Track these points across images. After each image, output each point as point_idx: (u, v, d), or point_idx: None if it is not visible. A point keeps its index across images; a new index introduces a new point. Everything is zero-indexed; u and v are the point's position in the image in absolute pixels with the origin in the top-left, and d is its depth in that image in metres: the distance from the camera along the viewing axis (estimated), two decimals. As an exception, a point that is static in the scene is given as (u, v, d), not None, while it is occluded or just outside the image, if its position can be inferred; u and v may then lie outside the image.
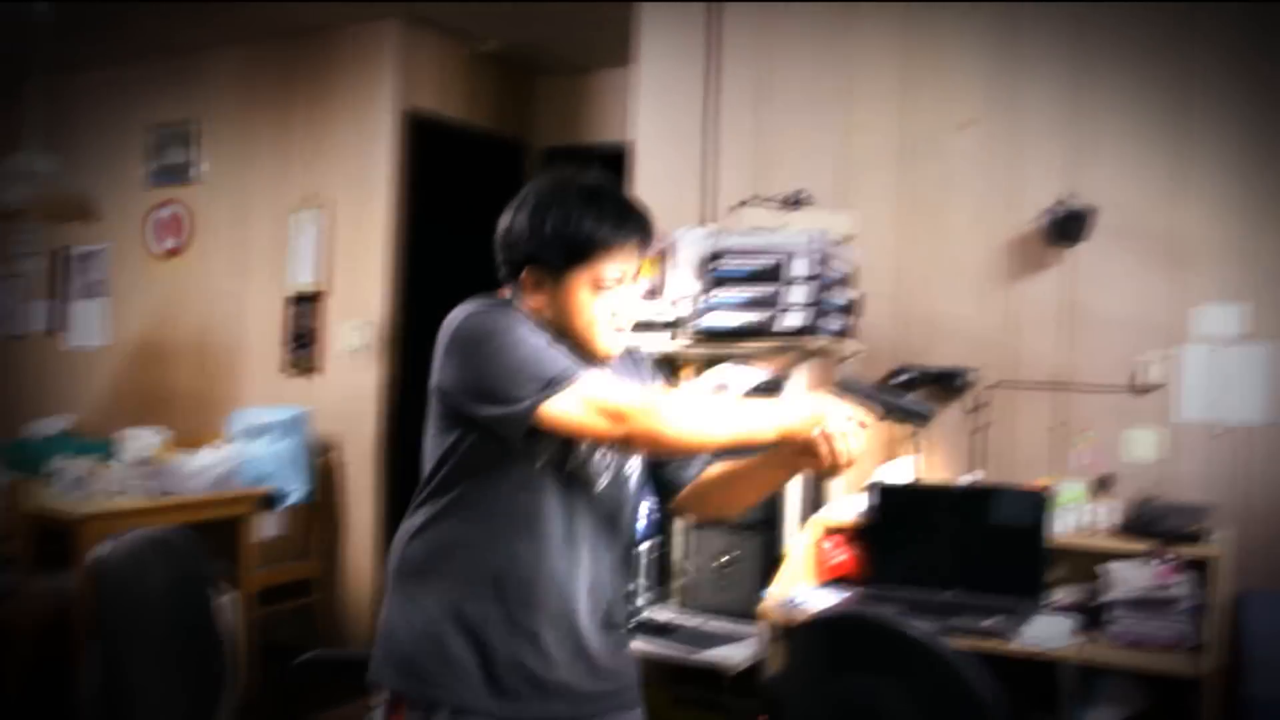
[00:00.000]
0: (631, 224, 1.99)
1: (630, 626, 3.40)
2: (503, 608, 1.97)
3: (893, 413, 2.02)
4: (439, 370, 1.99)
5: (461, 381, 1.95)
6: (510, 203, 2.04)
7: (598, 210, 1.97)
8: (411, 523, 2.07)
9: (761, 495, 2.20)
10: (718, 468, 2.18)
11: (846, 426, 1.90)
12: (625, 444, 1.95)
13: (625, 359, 2.16)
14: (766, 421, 1.90)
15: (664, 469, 2.20)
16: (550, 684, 2.00)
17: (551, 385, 1.88)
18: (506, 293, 2.07)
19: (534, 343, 1.93)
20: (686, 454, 2.15)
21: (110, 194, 6.27)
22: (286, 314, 5.76)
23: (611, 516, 2.10)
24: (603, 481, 2.07)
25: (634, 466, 2.13)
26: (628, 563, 2.21)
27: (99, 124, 6.45)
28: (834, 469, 1.93)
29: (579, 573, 2.03)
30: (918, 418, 2.03)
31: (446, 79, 5.87)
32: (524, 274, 2.00)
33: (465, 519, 2.00)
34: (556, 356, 1.92)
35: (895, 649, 2.66)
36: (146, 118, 6.28)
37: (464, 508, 2.00)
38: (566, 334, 2.00)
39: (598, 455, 2.05)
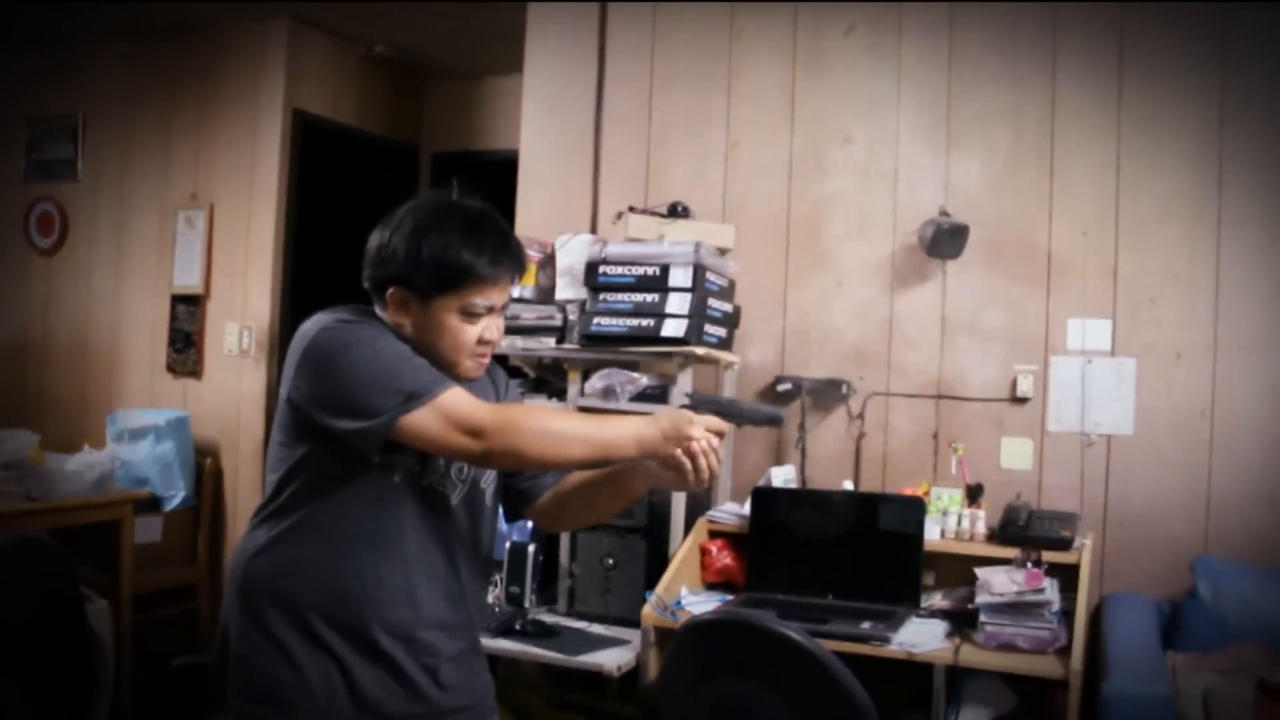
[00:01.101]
0: (508, 258, 1.99)
1: (516, 629, 3.40)
2: (356, 627, 1.94)
3: (747, 419, 2.05)
4: (290, 381, 1.95)
5: (317, 394, 1.91)
6: (387, 219, 2.02)
7: (477, 243, 1.95)
8: (255, 539, 2.01)
9: (618, 508, 2.20)
10: (575, 478, 2.18)
11: (705, 442, 1.91)
12: (484, 460, 1.93)
13: (483, 375, 2.14)
14: (627, 438, 1.90)
15: (518, 479, 2.19)
16: (409, 700, 1.98)
17: (411, 399, 1.85)
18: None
19: (393, 354, 1.91)
20: (545, 469, 2.15)
21: (-16, 188, 6.08)
22: (168, 315, 5.61)
23: (469, 529, 2.08)
24: (457, 495, 2.05)
25: (490, 478, 2.12)
26: (487, 574, 2.20)
27: (-27, 115, 6.24)
28: (695, 484, 1.93)
29: (435, 586, 2.01)
30: (771, 421, 2.07)
31: (336, 81, 5.80)
32: (390, 292, 1.98)
33: (315, 536, 1.95)
34: (417, 369, 1.91)
35: (771, 652, 2.69)
36: (25, 110, 6.08)
37: (313, 524, 1.95)
38: (427, 354, 1.97)
39: (455, 468, 2.03)
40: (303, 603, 1.93)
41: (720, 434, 1.94)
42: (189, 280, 5.58)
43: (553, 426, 1.89)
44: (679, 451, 1.89)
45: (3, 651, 2.53)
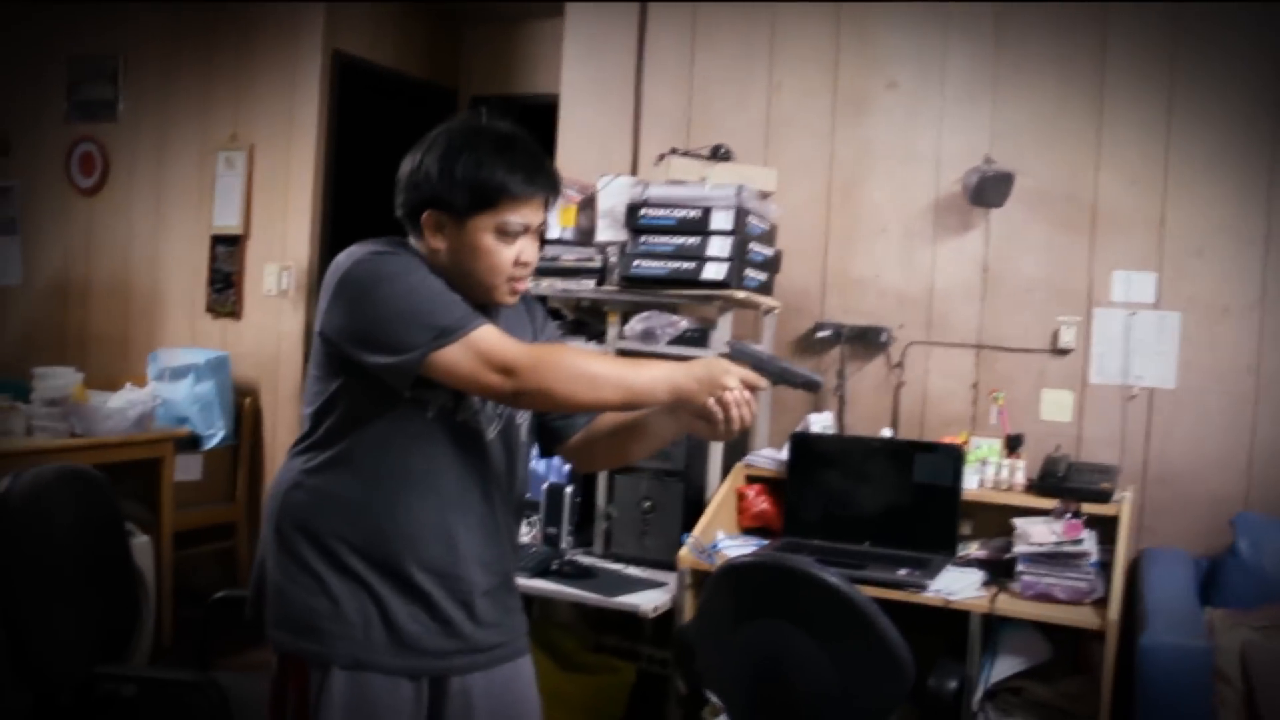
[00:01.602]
0: (542, 177, 1.98)
1: (552, 569, 3.42)
2: (391, 562, 1.94)
3: (783, 380, 2.02)
4: (324, 314, 1.95)
5: (349, 328, 1.90)
6: (418, 144, 2.01)
7: (510, 159, 1.94)
8: (291, 473, 2.02)
9: (649, 451, 2.18)
10: (607, 420, 2.17)
11: (739, 393, 1.89)
12: (514, 400, 1.92)
13: (520, 306, 2.14)
14: (660, 383, 1.89)
15: (550, 417, 2.18)
16: (444, 635, 1.98)
17: (443, 335, 1.84)
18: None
19: (428, 289, 1.90)
20: (576, 411, 2.14)
21: (28, 129, 6.11)
22: (208, 255, 5.64)
23: (504, 465, 2.07)
24: (493, 430, 2.05)
25: (525, 414, 2.11)
26: (521, 510, 2.21)
27: (15, 55, 6.24)
28: (725, 434, 1.92)
29: (472, 522, 2.01)
30: (808, 385, 2.04)
31: (376, 23, 5.77)
32: (425, 215, 1.97)
33: (349, 471, 1.95)
34: (451, 304, 1.90)
35: (807, 596, 2.70)
36: (66, 51, 6.09)
37: (349, 458, 1.95)
38: (463, 279, 1.97)
39: (490, 403, 2.02)
40: (338, 537, 1.94)
41: (754, 387, 1.92)
42: (229, 221, 5.59)
43: (586, 368, 1.88)
44: (712, 401, 1.88)
45: (52, 581, 2.57)
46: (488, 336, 1.87)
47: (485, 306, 2.01)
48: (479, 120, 2.02)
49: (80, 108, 6.04)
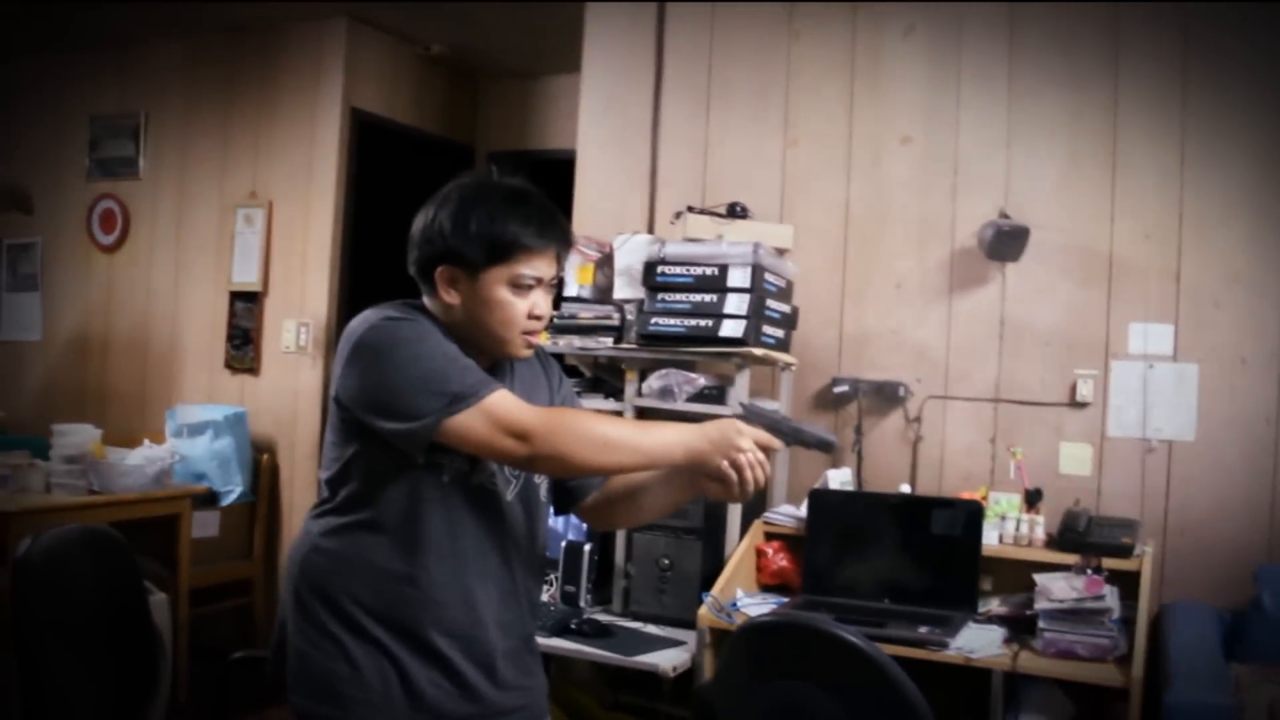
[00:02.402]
0: (554, 229, 2.01)
1: (571, 628, 3.41)
2: (411, 627, 1.95)
3: (797, 440, 2.03)
4: (339, 380, 1.97)
5: (363, 394, 1.92)
6: (429, 201, 2.04)
7: (523, 213, 1.98)
8: (310, 537, 2.04)
9: (665, 511, 2.20)
10: (622, 480, 2.18)
11: (753, 455, 1.90)
12: (529, 464, 1.94)
13: (536, 364, 2.17)
14: (674, 446, 1.90)
15: (566, 478, 2.19)
16: (464, 699, 1.99)
17: (456, 401, 1.86)
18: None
19: (442, 354, 1.91)
20: (592, 475, 2.15)
21: (50, 186, 6.19)
22: (227, 312, 5.68)
23: (523, 527, 2.08)
24: (511, 492, 2.06)
25: (542, 475, 2.12)
26: (542, 571, 2.21)
27: (38, 113, 6.34)
28: (740, 496, 1.93)
29: (490, 585, 2.02)
30: (822, 446, 2.04)
31: (394, 80, 5.85)
32: (439, 270, 1.99)
33: (367, 535, 1.96)
34: (465, 370, 1.91)
35: (828, 655, 2.68)
36: (88, 109, 6.18)
37: (366, 523, 1.97)
38: (478, 332, 2.00)
39: (507, 467, 2.03)
40: (356, 601, 1.95)
41: (769, 449, 1.93)
42: (247, 277, 5.65)
43: (600, 432, 1.89)
44: (725, 463, 1.89)
45: (72, 642, 2.57)
46: (502, 402, 1.88)
47: (499, 362, 2.05)
48: (489, 177, 2.06)
49: (101, 165, 6.13)
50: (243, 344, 5.64)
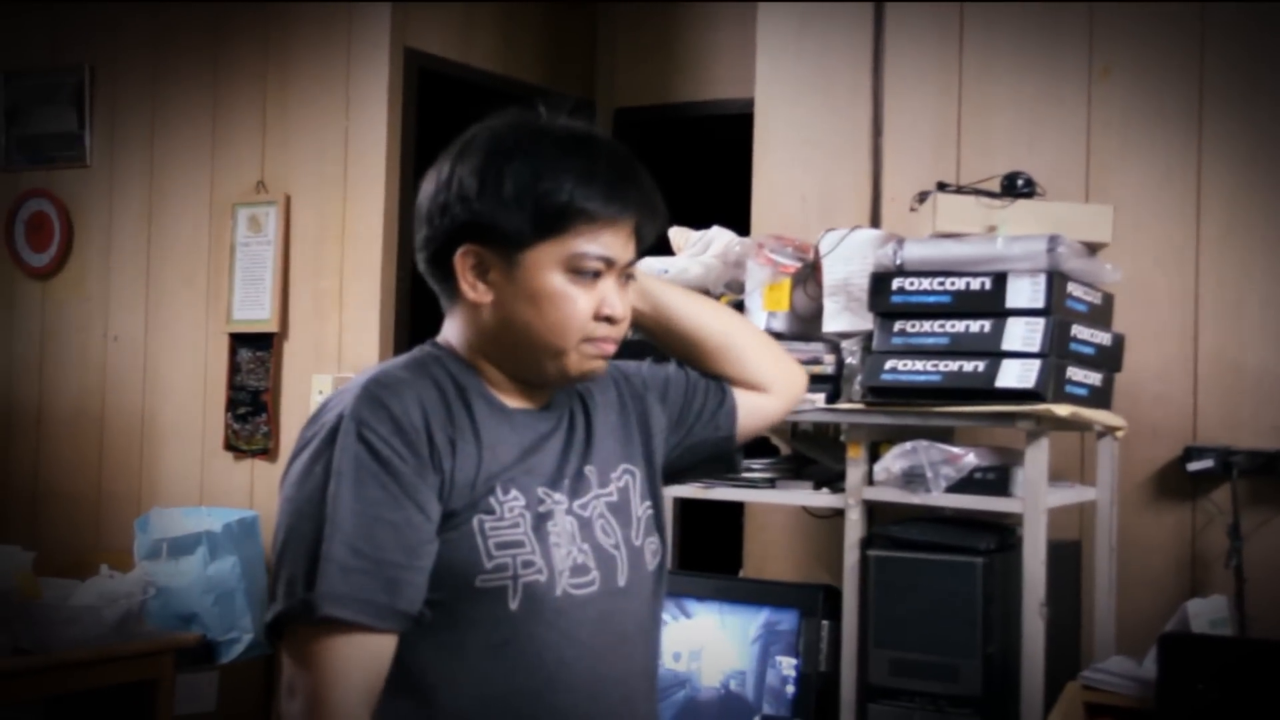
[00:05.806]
0: (632, 190, 2.03)
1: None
2: None
3: None
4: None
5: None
6: (443, 154, 2.07)
7: (583, 166, 1.99)
8: None
9: None
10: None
11: None
12: None
13: (609, 384, 2.24)
14: None
15: None
16: None
17: (296, 607, 1.87)
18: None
19: (351, 520, 1.89)
20: None
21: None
22: (226, 366, 5.67)
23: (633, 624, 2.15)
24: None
25: (654, 544, 2.19)
26: (654, 674, 2.28)
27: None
28: None
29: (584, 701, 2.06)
30: None
31: (467, 9, 5.86)
32: (460, 254, 2.00)
33: (440, 652, 2.00)
34: (363, 558, 1.89)
35: None
36: (7, 63, 6.24)
37: (436, 644, 2.00)
38: (519, 348, 2.03)
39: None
40: None
41: None
42: (255, 313, 5.67)
43: None
44: None
45: None
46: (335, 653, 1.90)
47: (559, 396, 2.14)
48: (534, 116, 2.08)
49: (25, 146, 6.19)
50: (251, 412, 5.67)
